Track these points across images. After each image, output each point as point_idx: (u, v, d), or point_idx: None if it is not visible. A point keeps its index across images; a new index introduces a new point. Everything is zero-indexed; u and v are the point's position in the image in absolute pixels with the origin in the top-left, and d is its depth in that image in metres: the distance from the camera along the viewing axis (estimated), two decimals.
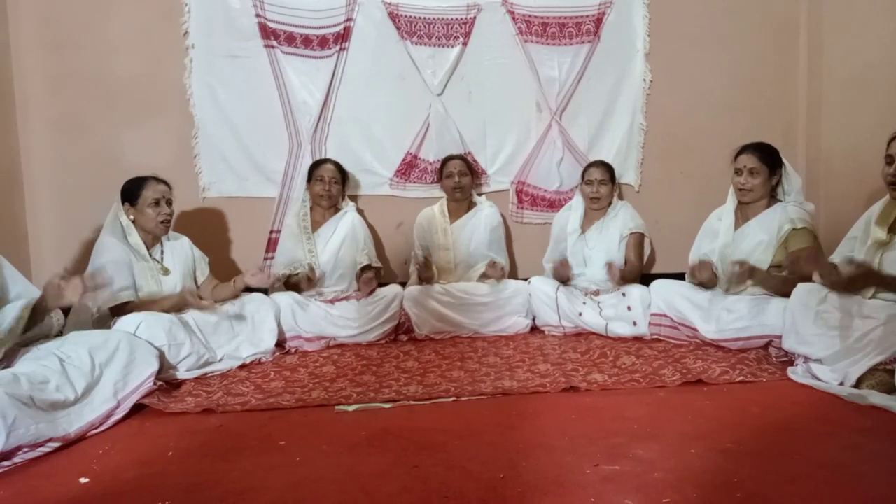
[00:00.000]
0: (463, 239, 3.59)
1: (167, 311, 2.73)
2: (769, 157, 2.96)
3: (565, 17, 3.78)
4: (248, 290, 3.28)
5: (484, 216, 3.63)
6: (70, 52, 3.59)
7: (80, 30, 3.59)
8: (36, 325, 2.25)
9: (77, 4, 3.58)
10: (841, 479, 1.59)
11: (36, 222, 3.64)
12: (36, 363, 2.08)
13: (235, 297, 3.07)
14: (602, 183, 3.44)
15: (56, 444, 1.92)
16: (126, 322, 2.54)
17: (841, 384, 2.23)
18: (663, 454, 1.76)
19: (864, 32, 3.40)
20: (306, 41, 3.69)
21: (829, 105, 3.69)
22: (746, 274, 2.76)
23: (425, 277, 3.38)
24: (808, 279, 2.48)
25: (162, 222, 2.89)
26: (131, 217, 2.89)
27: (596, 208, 3.48)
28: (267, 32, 3.65)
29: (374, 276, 3.38)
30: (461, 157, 3.68)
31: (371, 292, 3.29)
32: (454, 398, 2.32)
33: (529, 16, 3.77)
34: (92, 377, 2.15)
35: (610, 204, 3.50)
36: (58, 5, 3.56)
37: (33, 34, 3.55)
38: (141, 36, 3.63)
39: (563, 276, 3.31)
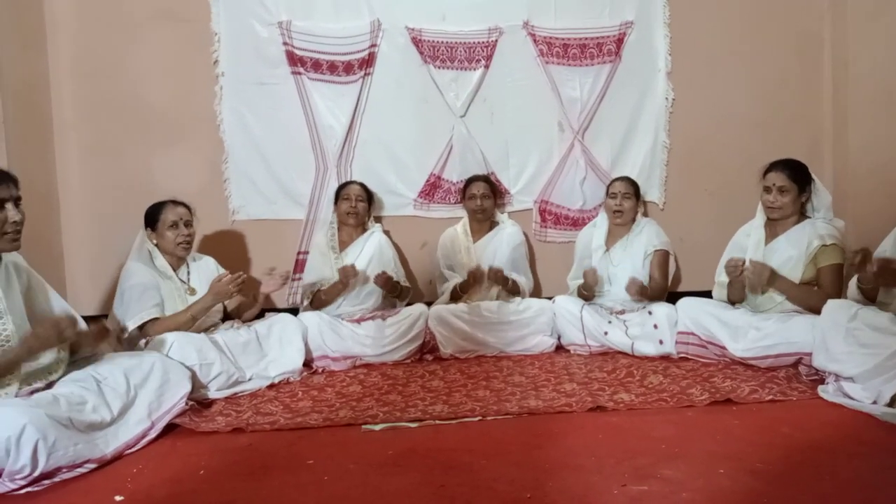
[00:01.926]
0: (486, 258, 3.61)
1: (197, 317, 2.82)
2: (799, 175, 2.93)
3: (586, 39, 3.82)
4: (275, 309, 3.35)
5: (506, 235, 3.65)
6: (105, 81, 3.71)
7: (115, 59, 3.71)
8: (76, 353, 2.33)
9: (112, 35, 3.70)
10: (874, 502, 1.56)
11: (71, 244, 3.75)
12: (74, 384, 2.13)
13: (258, 315, 3.12)
14: (626, 196, 3.44)
15: (93, 465, 1.97)
16: (158, 343, 2.60)
17: (874, 403, 2.19)
18: (691, 474, 1.75)
19: (891, 46, 3.37)
20: (332, 67, 3.78)
21: (856, 121, 3.65)
22: (766, 273, 2.74)
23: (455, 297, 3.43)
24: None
25: (180, 244, 2.97)
26: (154, 241, 2.98)
27: (619, 223, 3.48)
28: (294, 60, 3.75)
29: (397, 296, 3.45)
30: (485, 179, 3.71)
31: (386, 284, 3.34)
32: (480, 418, 2.33)
33: (551, 38, 3.81)
34: (127, 398, 2.20)
35: (633, 220, 3.49)
36: (94, 36, 3.69)
37: (70, 63, 3.68)
38: (172, 64, 3.74)
39: (591, 285, 3.30)
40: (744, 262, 2.88)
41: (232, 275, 2.85)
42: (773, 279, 2.80)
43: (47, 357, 2.17)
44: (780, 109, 3.89)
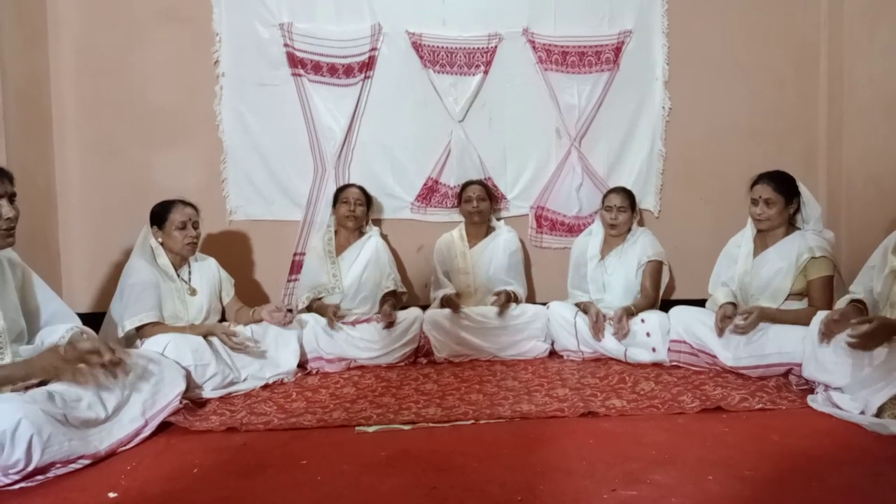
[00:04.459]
0: (482, 263, 3.63)
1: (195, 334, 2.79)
2: (785, 186, 2.95)
3: (585, 46, 3.85)
4: None
5: (502, 240, 3.67)
6: (105, 79, 3.73)
7: (116, 57, 3.73)
8: None
9: (113, 34, 3.72)
10: None
11: (68, 243, 3.75)
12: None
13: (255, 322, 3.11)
14: (621, 210, 3.47)
15: (87, 461, 1.97)
16: (154, 342, 2.61)
17: (862, 413, 2.22)
18: (681, 480, 1.76)
19: (886, 58, 3.40)
20: (332, 70, 3.80)
21: (850, 132, 3.69)
22: (755, 322, 2.78)
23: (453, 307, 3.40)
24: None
25: (188, 244, 2.98)
26: (159, 239, 2.98)
27: (614, 235, 3.51)
28: (294, 61, 3.77)
29: (393, 305, 3.39)
30: (480, 183, 3.73)
31: (390, 325, 3.28)
32: (473, 421, 2.34)
33: (549, 45, 3.84)
34: (122, 396, 2.20)
35: (629, 231, 3.52)
36: (95, 34, 3.71)
37: (71, 61, 3.69)
38: (173, 64, 3.76)
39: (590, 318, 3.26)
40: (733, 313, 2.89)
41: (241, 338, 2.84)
42: (764, 316, 2.82)
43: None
44: (776, 119, 3.92)
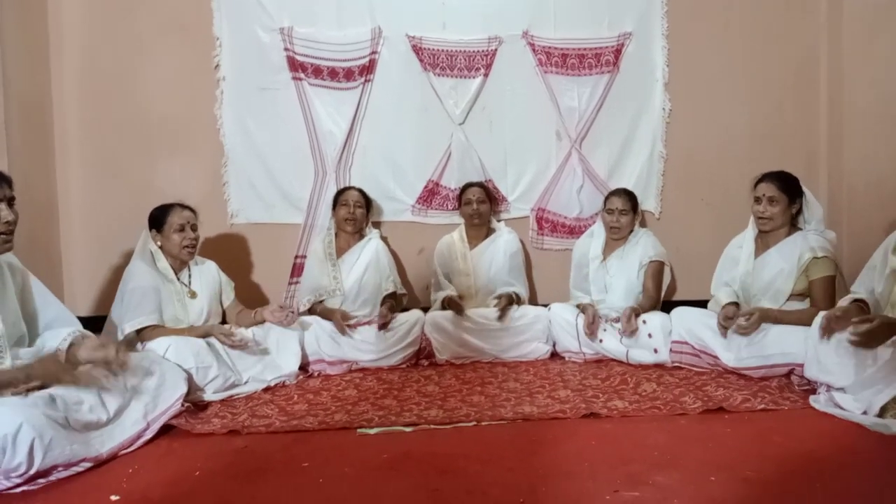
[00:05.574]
0: (482, 265, 3.64)
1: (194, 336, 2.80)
2: (789, 186, 2.96)
3: (585, 49, 3.86)
4: None
5: (503, 242, 3.67)
6: (107, 86, 3.73)
7: (117, 65, 3.74)
8: None
9: (114, 42, 3.73)
10: None
11: (69, 249, 3.76)
12: None
13: (257, 324, 3.12)
14: (623, 213, 3.46)
15: (88, 465, 1.98)
16: (155, 345, 2.61)
17: (864, 413, 2.21)
18: (683, 482, 1.76)
19: (886, 64, 3.40)
20: (332, 73, 3.81)
21: (851, 136, 3.69)
22: (757, 322, 2.77)
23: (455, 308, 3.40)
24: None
25: (186, 247, 2.98)
26: (158, 243, 2.98)
27: (616, 237, 3.51)
28: (295, 65, 3.78)
29: (390, 308, 3.37)
30: (480, 185, 3.73)
31: (385, 325, 3.27)
32: (474, 423, 2.34)
33: (549, 48, 3.85)
34: (123, 399, 2.21)
35: (631, 232, 3.52)
36: (97, 44, 3.72)
37: (72, 70, 3.70)
38: (174, 70, 3.76)
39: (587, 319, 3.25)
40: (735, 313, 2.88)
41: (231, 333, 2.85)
42: (766, 317, 2.81)
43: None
44: (777, 122, 3.92)
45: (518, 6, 3.84)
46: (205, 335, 2.82)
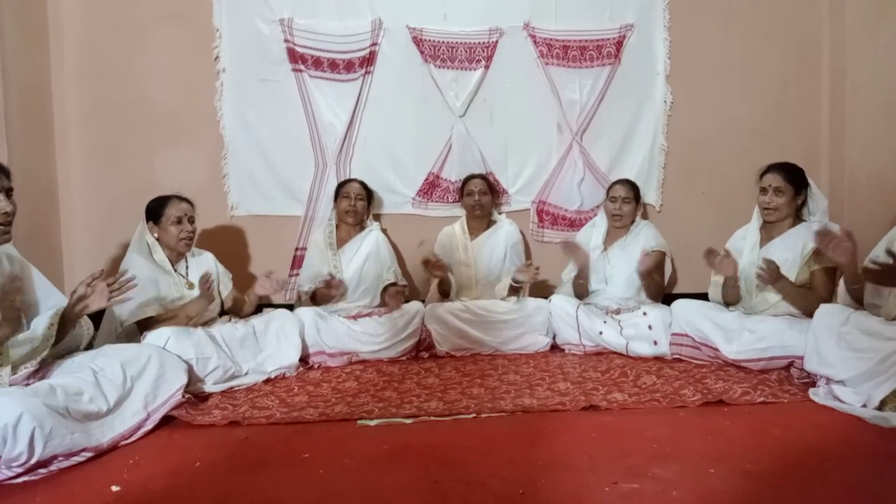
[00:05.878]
0: (483, 255, 3.64)
1: (192, 316, 2.82)
2: (794, 177, 2.96)
3: (586, 41, 3.84)
4: (272, 305, 3.36)
5: (504, 233, 3.68)
6: (106, 78, 3.73)
7: (117, 56, 3.73)
8: (67, 335, 2.29)
9: (114, 33, 3.72)
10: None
11: (70, 241, 3.76)
12: (71, 375, 2.14)
13: (255, 310, 3.13)
14: (626, 201, 3.47)
15: (89, 454, 1.99)
16: (155, 336, 2.61)
17: (864, 406, 2.22)
18: (682, 474, 1.77)
19: (888, 55, 3.39)
20: (333, 65, 3.79)
21: (853, 128, 3.67)
22: (776, 272, 2.77)
23: (443, 292, 3.45)
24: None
25: (183, 239, 2.97)
26: (155, 235, 2.98)
27: (618, 226, 3.51)
28: (295, 57, 3.76)
29: (401, 290, 3.44)
30: (482, 177, 3.74)
31: (397, 300, 3.36)
32: (474, 415, 2.35)
33: (551, 39, 3.83)
34: (124, 389, 2.22)
35: (633, 222, 3.52)
36: (96, 33, 3.71)
37: (72, 60, 3.70)
38: (173, 61, 3.76)
39: (574, 256, 3.37)
40: (726, 256, 2.97)
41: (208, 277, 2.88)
42: (780, 275, 2.81)
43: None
44: (778, 115, 3.91)
45: None
46: (200, 302, 2.85)
